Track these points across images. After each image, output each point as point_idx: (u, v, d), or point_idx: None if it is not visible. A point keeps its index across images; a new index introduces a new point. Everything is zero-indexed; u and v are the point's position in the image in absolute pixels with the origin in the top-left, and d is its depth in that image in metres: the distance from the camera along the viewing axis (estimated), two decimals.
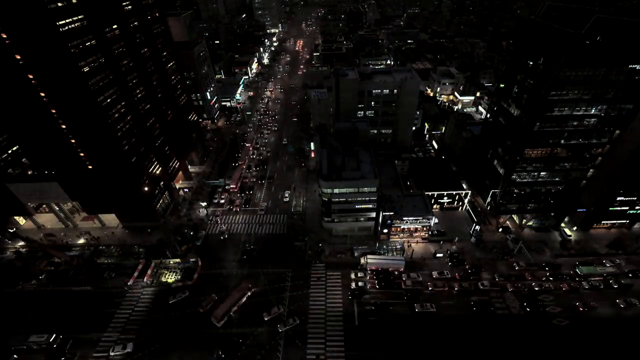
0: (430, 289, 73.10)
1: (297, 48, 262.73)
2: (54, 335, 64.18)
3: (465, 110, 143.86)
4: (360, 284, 74.57)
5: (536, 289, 72.60)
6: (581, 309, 68.41)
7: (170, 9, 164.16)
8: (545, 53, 67.33)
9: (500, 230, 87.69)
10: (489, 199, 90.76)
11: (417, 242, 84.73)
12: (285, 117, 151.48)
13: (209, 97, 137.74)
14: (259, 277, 76.56)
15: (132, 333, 66.47)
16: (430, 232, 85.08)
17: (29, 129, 72.31)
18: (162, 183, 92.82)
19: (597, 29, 58.86)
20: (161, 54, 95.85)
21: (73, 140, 73.11)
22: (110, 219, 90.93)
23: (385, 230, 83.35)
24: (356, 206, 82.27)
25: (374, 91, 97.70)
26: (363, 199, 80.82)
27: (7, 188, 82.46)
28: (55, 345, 63.68)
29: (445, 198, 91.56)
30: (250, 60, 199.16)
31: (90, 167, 77.25)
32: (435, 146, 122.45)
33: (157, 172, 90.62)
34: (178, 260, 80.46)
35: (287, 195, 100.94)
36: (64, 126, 70.92)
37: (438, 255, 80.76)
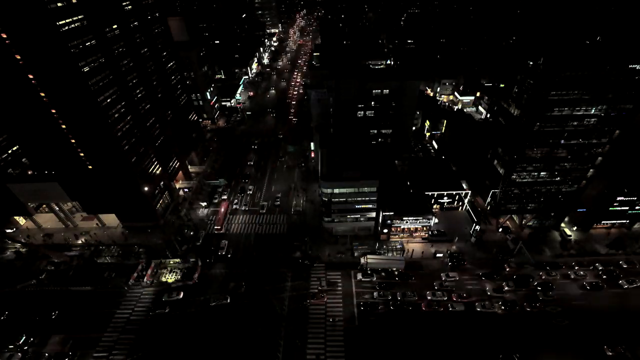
0: None
1: (296, 48, 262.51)
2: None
3: (465, 110, 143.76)
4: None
5: None
6: None
7: (171, 8, 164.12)
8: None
9: (500, 230, 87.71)
10: (489, 199, 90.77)
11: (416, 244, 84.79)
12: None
13: (209, 97, 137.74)
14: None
15: (132, 333, 66.64)
16: (430, 232, 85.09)
17: (29, 129, 72.28)
18: (162, 183, 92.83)
19: None
20: (161, 54, 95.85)
21: (73, 140, 73.06)
22: (110, 219, 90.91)
23: (385, 230, 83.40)
24: (356, 206, 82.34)
25: (374, 91, 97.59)
26: (363, 198, 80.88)
27: (7, 188, 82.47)
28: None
29: (445, 198, 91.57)
30: (250, 60, 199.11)
31: (90, 167, 77.20)
32: (435, 146, 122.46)
33: (157, 172, 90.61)
34: (178, 260, 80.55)
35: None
36: (64, 126, 70.88)
37: (438, 255, 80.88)
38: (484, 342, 63.71)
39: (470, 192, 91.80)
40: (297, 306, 70.81)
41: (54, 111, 68.63)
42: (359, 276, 76.11)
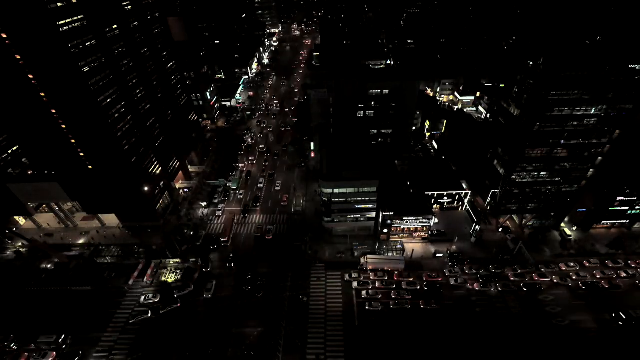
0: None
1: (296, 47, 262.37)
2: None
3: (465, 110, 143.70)
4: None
5: None
6: None
7: (171, 8, 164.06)
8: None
9: (500, 230, 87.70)
10: (489, 199, 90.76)
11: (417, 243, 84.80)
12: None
13: (209, 97, 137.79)
14: None
15: (132, 333, 66.62)
16: (430, 232, 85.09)
17: (29, 129, 72.30)
18: (162, 183, 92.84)
19: None
20: (161, 54, 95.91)
21: (73, 140, 73.10)
22: (110, 219, 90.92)
23: (385, 230, 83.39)
24: (356, 206, 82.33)
25: (373, 91, 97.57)
26: (363, 198, 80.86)
27: (7, 188, 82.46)
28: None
29: (445, 198, 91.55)
30: (250, 60, 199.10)
31: (90, 167, 77.23)
32: (435, 146, 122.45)
33: (157, 172, 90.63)
34: (178, 260, 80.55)
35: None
36: (64, 126, 70.91)
37: (438, 255, 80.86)
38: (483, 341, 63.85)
39: (470, 192, 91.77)
40: (297, 305, 70.86)
41: (54, 111, 68.66)
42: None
